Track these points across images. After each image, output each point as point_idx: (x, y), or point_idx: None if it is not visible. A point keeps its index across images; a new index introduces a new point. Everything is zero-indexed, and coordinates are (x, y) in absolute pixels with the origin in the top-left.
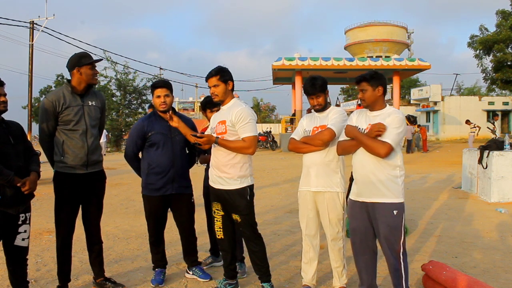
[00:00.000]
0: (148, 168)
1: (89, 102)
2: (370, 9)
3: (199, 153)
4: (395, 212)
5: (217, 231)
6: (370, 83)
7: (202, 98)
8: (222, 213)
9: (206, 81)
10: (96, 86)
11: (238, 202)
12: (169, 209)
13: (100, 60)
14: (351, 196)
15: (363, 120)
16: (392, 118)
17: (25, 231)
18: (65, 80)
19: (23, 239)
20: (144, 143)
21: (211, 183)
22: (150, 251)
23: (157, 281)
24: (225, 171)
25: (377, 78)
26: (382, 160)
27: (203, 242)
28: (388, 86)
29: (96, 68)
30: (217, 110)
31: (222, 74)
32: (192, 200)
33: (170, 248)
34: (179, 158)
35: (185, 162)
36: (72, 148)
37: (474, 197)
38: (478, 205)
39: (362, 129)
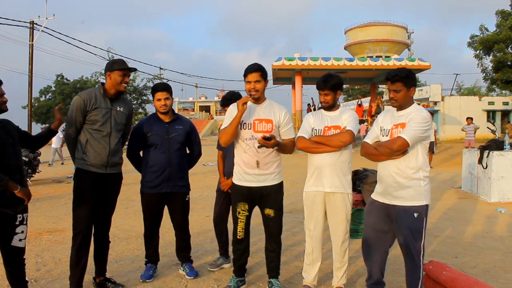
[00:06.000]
0: (146, 167)
1: (118, 107)
2: (371, 10)
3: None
4: (415, 214)
5: (239, 231)
6: (405, 84)
7: (203, 98)
8: (247, 213)
9: (246, 75)
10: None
11: (276, 197)
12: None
13: (134, 70)
14: (373, 195)
15: (388, 120)
16: (412, 116)
17: (22, 232)
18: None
19: (20, 240)
20: (143, 143)
21: (244, 183)
22: (144, 245)
23: (145, 276)
24: (267, 168)
25: (412, 77)
26: (404, 162)
27: (208, 242)
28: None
29: (128, 76)
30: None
31: (263, 71)
32: (187, 199)
33: (171, 248)
34: (176, 158)
35: (182, 162)
36: (95, 148)
37: (474, 197)
38: (478, 205)
39: (387, 129)
